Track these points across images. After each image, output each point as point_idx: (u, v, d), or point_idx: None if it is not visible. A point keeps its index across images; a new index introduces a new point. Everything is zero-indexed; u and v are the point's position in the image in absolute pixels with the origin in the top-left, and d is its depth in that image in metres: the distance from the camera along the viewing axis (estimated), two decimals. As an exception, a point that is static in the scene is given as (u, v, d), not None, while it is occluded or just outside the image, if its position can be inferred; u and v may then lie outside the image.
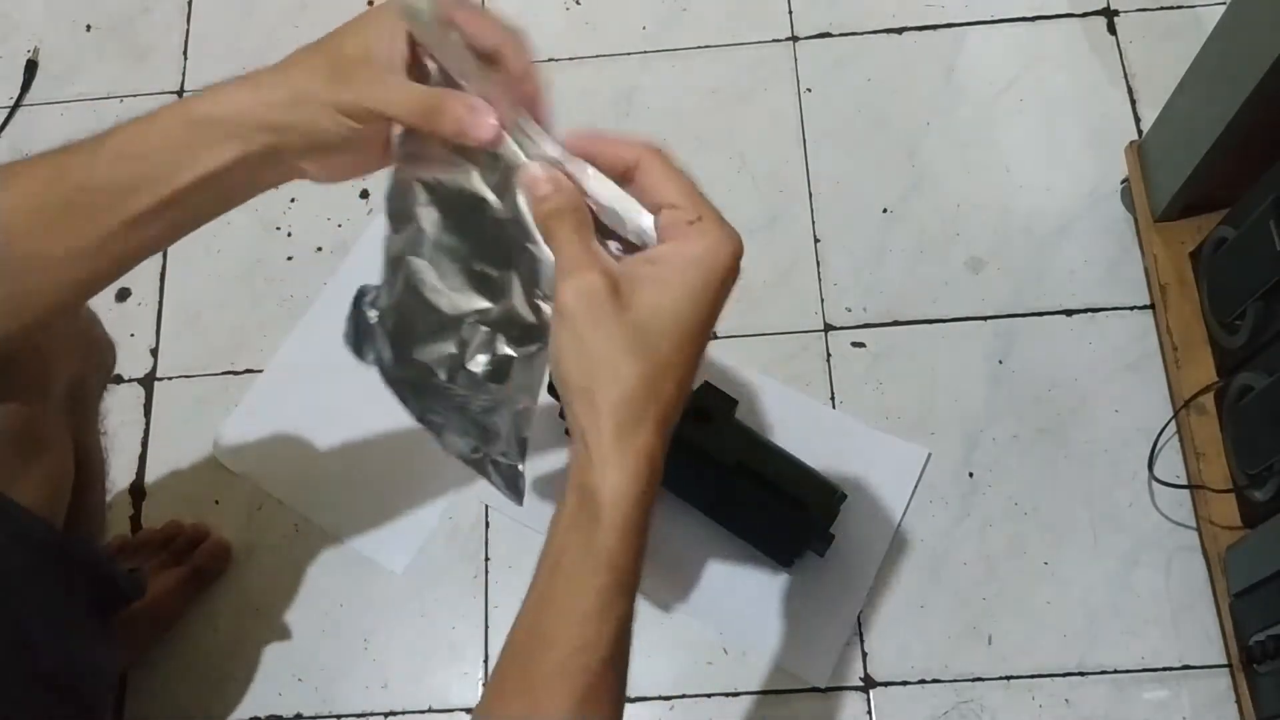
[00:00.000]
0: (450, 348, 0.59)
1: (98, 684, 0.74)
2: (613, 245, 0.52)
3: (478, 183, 0.54)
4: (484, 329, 0.57)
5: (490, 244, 0.56)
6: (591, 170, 0.51)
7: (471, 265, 0.57)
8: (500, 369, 0.57)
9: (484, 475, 0.67)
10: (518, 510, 1.01)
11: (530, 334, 0.56)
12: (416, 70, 0.54)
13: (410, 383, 0.65)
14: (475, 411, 0.62)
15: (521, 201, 0.53)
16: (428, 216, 0.57)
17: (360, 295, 0.67)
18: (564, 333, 0.48)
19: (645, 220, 0.51)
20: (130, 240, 0.56)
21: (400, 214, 0.59)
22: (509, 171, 0.53)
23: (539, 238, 0.52)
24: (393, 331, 0.63)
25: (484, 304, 0.57)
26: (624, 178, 0.51)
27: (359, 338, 0.67)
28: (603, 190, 0.51)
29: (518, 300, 0.56)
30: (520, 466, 0.62)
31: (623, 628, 0.49)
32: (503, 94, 0.52)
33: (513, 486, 0.64)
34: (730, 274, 0.49)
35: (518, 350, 0.56)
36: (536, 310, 0.55)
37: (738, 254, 0.49)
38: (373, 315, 0.66)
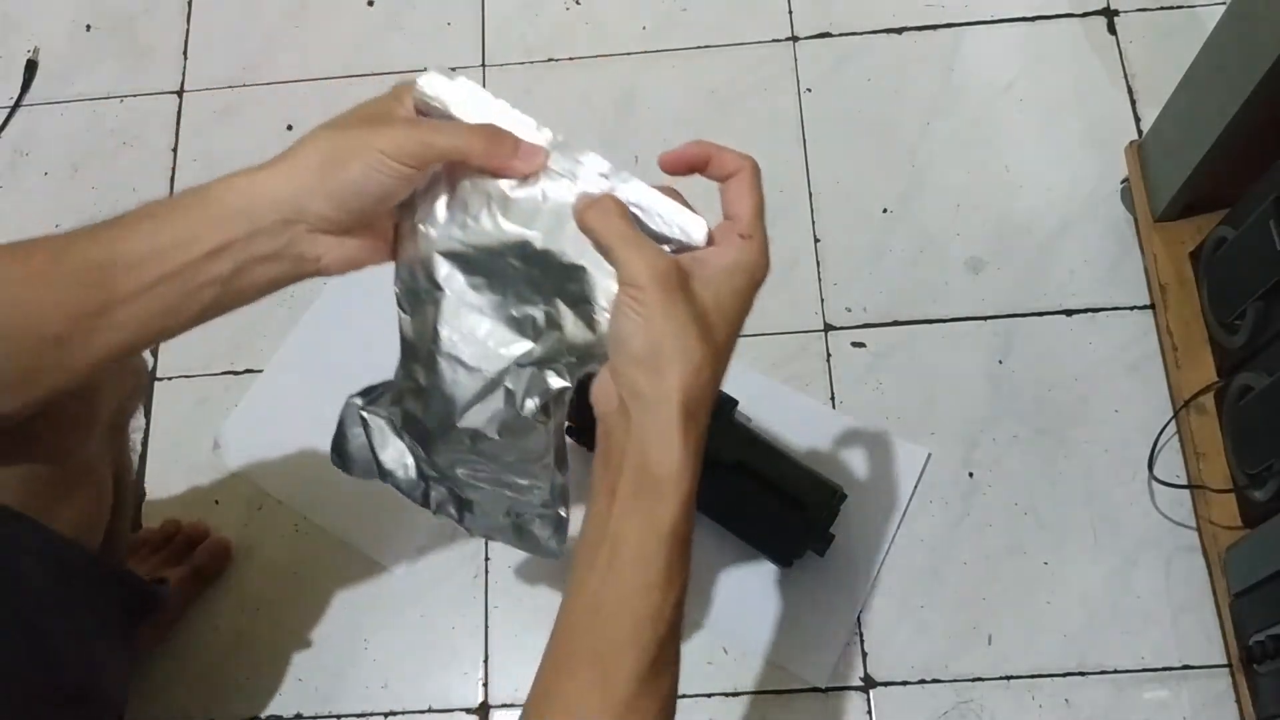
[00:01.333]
0: (498, 403, 0.58)
1: (115, 697, 0.76)
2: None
3: (507, 226, 0.55)
4: (531, 369, 0.57)
5: (529, 283, 0.56)
6: (636, 181, 0.53)
7: (509, 313, 0.57)
8: (550, 404, 0.57)
9: (517, 540, 0.67)
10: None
11: (591, 353, 0.55)
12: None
13: (441, 471, 0.65)
14: (514, 468, 0.62)
15: (564, 225, 0.54)
16: (451, 284, 0.57)
17: (351, 409, 0.67)
18: (635, 308, 0.49)
19: (697, 223, 0.52)
20: (140, 312, 0.55)
21: (414, 294, 0.58)
22: (541, 201, 0.54)
23: (589, 252, 0.53)
24: (424, 416, 0.62)
25: (527, 345, 0.57)
26: (721, 179, 0.54)
27: (346, 455, 0.69)
28: (649, 196, 0.53)
29: (570, 325, 0.55)
30: (564, 514, 0.63)
31: (683, 598, 0.51)
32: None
33: (558, 536, 0.64)
34: (758, 288, 0.53)
35: (571, 378, 0.56)
36: (594, 326, 0.55)
37: (765, 277, 0.53)
38: (380, 419, 0.67)
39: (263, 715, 0.97)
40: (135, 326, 0.55)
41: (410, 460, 0.67)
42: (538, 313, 0.56)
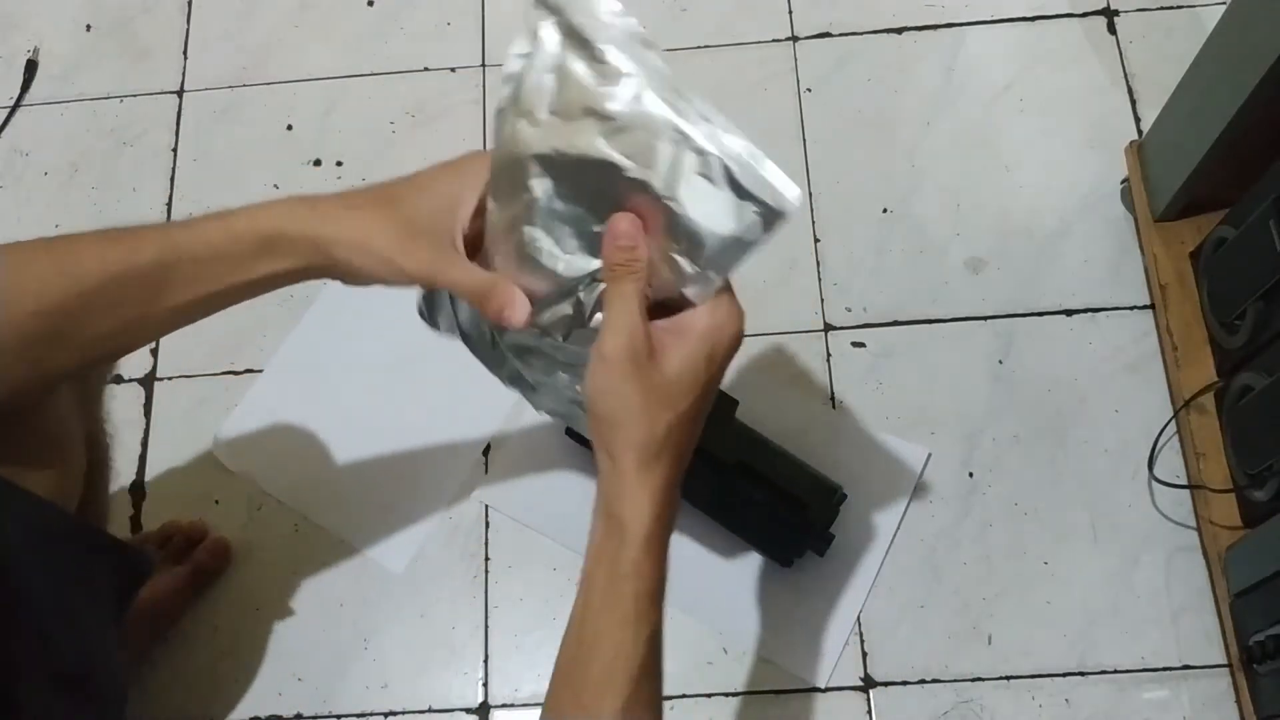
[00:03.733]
0: (567, 309, 0.61)
1: (114, 683, 0.74)
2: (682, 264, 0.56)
3: (605, 148, 0.54)
4: (601, 286, 0.59)
5: (612, 205, 0.57)
6: (737, 134, 0.54)
7: (590, 228, 0.58)
8: None
9: (578, 423, 0.71)
10: (518, 510, 1.01)
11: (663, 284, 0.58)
12: (476, 221, 0.62)
13: (512, 346, 0.68)
14: (570, 367, 0.65)
15: (663, 160, 0.54)
16: (540, 187, 0.57)
17: None
18: (604, 376, 0.55)
19: (790, 187, 0.53)
20: (164, 324, 0.62)
21: (506, 188, 0.59)
22: (650, 139, 0.54)
23: (680, 194, 0.54)
24: None
25: (599, 263, 0.58)
26: None
27: (434, 308, 0.71)
28: (747, 152, 0.54)
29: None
30: None
31: (656, 635, 0.57)
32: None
33: None
34: (734, 343, 0.58)
35: None
36: (672, 264, 0.56)
37: (741, 330, 0.58)
38: None
39: (263, 715, 0.97)
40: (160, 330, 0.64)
41: (486, 329, 0.69)
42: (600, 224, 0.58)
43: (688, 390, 0.56)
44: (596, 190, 0.56)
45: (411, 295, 0.68)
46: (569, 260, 0.59)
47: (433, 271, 0.60)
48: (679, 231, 0.55)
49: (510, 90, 0.57)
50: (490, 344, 0.70)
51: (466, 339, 0.71)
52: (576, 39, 0.54)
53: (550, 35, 0.55)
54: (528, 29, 0.56)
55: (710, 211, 0.54)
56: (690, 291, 0.57)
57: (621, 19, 0.54)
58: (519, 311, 0.60)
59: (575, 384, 0.67)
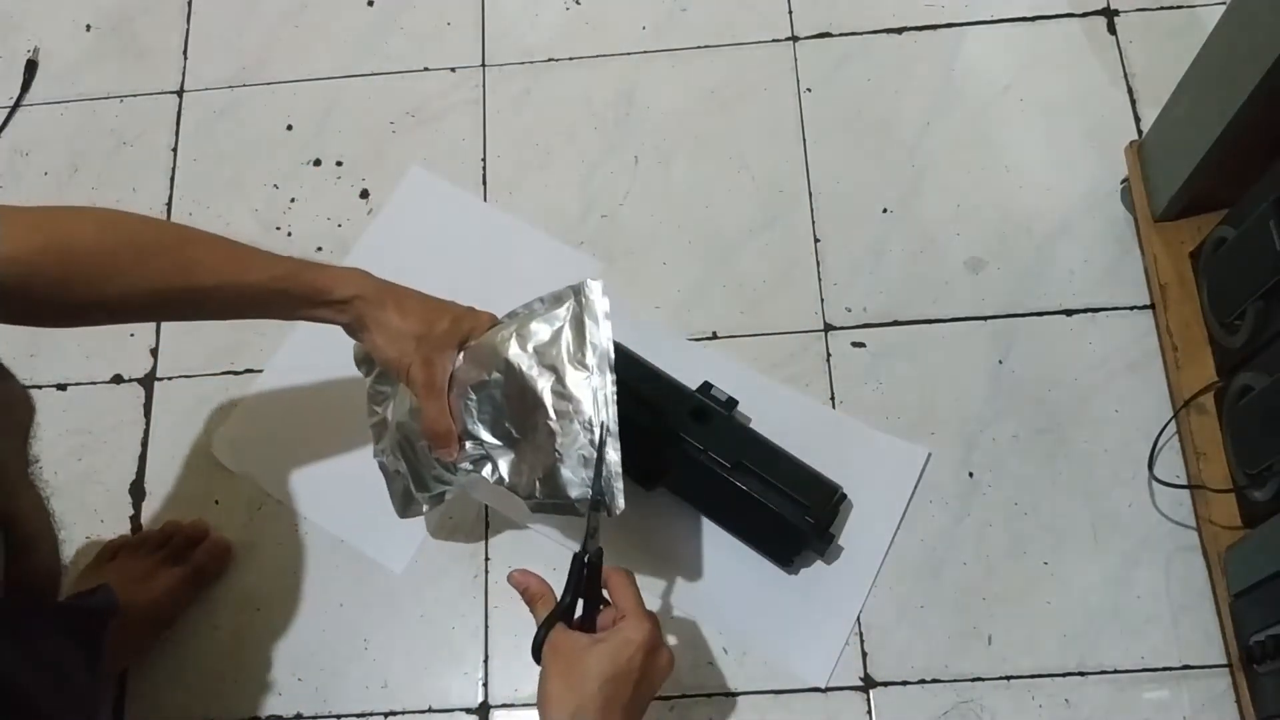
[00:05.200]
0: (477, 456, 0.88)
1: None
2: None
3: (547, 396, 0.82)
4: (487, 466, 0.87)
5: (526, 423, 0.84)
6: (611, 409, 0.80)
7: (503, 421, 0.84)
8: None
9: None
10: (518, 511, 1.01)
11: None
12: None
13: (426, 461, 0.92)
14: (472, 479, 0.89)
15: (572, 434, 0.80)
16: (494, 377, 0.84)
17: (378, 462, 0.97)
18: (547, 667, 0.75)
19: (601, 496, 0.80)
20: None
21: (481, 359, 0.85)
22: (574, 412, 0.81)
23: (566, 456, 0.80)
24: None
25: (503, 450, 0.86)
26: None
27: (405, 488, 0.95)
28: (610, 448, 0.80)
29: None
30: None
31: None
32: None
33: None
34: (640, 649, 0.74)
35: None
36: (533, 484, 0.84)
37: (649, 638, 0.74)
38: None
39: (263, 715, 0.97)
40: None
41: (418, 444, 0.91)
42: (512, 428, 0.84)
43: (604, 682, 0.72)
44: (521, 408, 0.82)
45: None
46: (479, 429, 0.85)
47: (425, 392, 0.83)
48: (549, 476, 0.81)
49: (526, 315, 0.85)
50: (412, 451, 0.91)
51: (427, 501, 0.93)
52: (578, 325, 0.81)
53: (569, 309, 0.82)
54: (558, 296, 0.84)
55: (570, 480, 0.80)
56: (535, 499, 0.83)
57: (606, 341, 0.80)
58: (452, 452, 0.85)
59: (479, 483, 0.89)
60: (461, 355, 0.85)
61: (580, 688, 0.72)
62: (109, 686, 0.96)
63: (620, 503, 0.78)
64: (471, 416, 0.84)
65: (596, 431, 0.78)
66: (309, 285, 0.80)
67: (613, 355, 0.80)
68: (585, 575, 0.78)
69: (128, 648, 0.96)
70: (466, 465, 0.86)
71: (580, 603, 0.79)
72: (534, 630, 0.76)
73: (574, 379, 0.80)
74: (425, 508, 0.93)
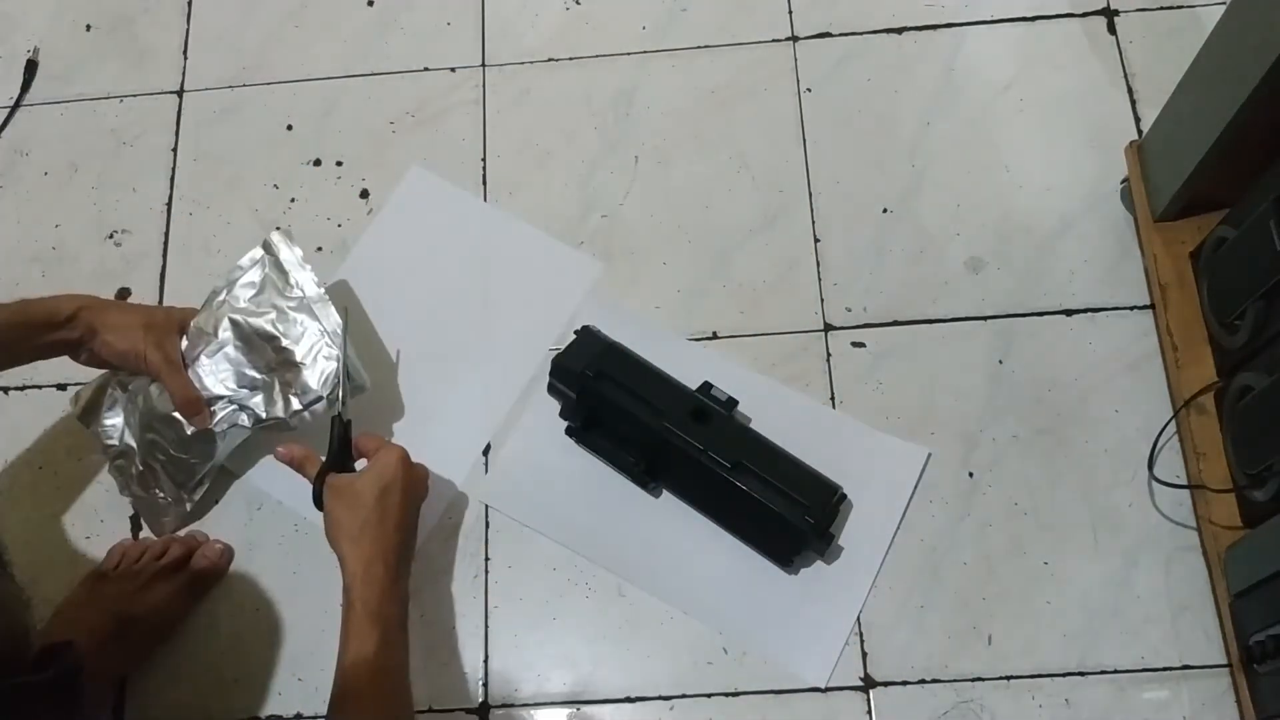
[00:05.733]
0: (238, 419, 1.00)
1: None
2: None
3: (275, 327, 1.00)
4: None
5: (267, 363, 0.99)
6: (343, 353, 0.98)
7: (246, 371, 0.99)
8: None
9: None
10: (518, 511, 1.01)
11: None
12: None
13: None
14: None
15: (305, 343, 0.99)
16: (224, 334, 0.99)
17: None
18: (329, 505, 0.89)
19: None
20: None
21: (205, 329, 1.00)
22: (301, 332, 1.00)
23: (307, 363, 0.98)
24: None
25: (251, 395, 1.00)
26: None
27: (98, 411, 1.04)
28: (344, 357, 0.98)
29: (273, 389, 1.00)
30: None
31: (382, 644, 0.84)
32: None
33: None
34: (399, 462, 0.91)
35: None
36: (288, 398, 0.99)
37: (403, 454, 0.92)
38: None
39: (263, 715, 0.97)
40: None
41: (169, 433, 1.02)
42: (254, 372, 0.98)
43: (374, 498, 0.87)
44: (256, 350, 0.98)
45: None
46: (221, 388, 0.98)
47: (166, 369, 0.94)
48: (300, 385, 0.97)
49: (228, 284, 1.00)
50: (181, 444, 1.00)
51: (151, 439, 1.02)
52: (279, 268, 1.00)
53: (264, 263, 1.01)
54: (251, 257, 1.01)
55: (318, 376, 0.96)
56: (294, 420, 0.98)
57: (307, 270, 1.00)
58: (203, 418, 0.96)
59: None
60: (185, 339, 0.98)
61: (358, 507, 0.87)
62: (106, 690, 0.95)
63: (365, 376, 0.98)
64: (214, 378, 0.97)
65: (329, 328, 0.97)
66: (40, 311, 0.91)
67: (315, 276, 0.99)
68: (341, 434, 0.94)
69: (127, 657, 0.96)
70: (224, 425, 0.97)
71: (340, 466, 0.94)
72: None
73: (291, 304, 0.98)
74: (189, 506, 1.03)
